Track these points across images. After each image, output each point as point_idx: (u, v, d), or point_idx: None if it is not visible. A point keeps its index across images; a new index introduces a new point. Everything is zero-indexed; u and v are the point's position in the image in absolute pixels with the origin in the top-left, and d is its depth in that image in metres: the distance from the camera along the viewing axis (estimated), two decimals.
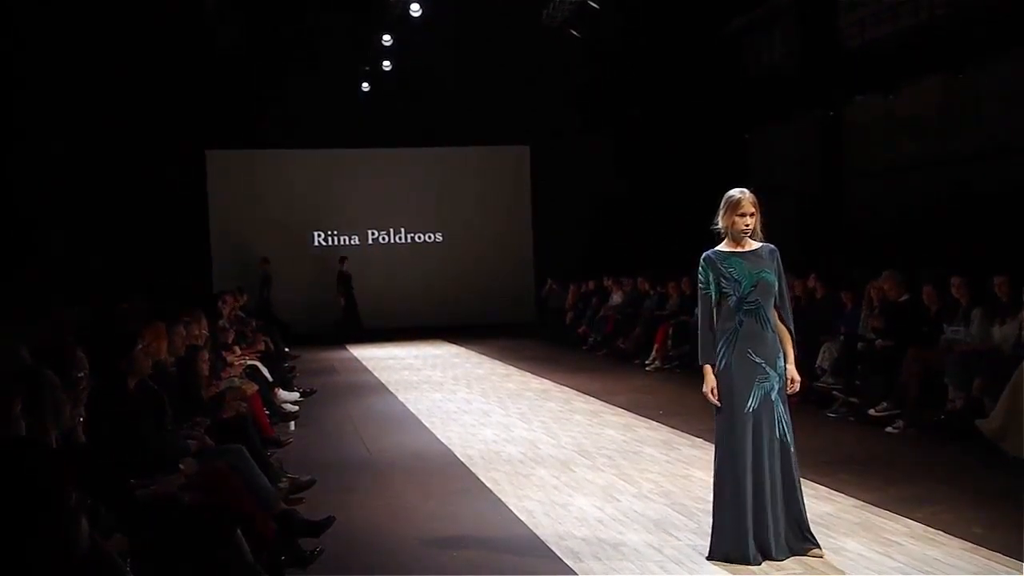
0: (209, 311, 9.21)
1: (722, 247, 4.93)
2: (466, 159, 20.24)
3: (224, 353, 9.09)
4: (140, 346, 5.16)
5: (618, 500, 6.06)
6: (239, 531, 4.12)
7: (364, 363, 14.64)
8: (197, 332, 7.47)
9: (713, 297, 4.87)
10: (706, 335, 4.89)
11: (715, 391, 4.82)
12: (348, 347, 16.92)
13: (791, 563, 4.72)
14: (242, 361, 9.27)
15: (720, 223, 4.93)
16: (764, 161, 17.09)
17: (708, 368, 4.85)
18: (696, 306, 5.13)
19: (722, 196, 4.97)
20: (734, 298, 4.79)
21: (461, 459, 7.50)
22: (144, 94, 16.65)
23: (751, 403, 4.73)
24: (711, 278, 4.87)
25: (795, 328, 4.98)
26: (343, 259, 18.70)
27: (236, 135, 18.44)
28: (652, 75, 17.90)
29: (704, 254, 4.93)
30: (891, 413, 8.12)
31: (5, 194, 15.16)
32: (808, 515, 4.86)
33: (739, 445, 4.71)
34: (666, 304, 13.80)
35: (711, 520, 4.86)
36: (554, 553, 5.07)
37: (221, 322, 10.46)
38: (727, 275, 4.82)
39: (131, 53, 16.01)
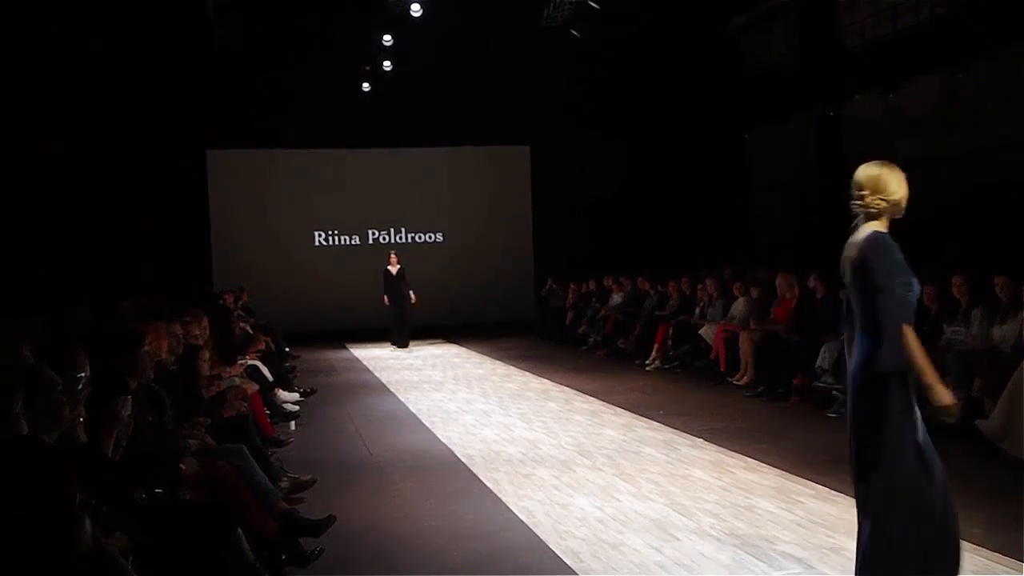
0: (209, 311, 9.21)
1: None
2: (466, 159, 20.26)
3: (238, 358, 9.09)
4: (145, 348, 5.16)
5: (618, 500, 6.07)
6: (240, 530, 4.13)
7: (364, 363, 14.65)
8: (197, 332, 7.47)
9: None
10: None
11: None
12: (348, 347, 16.93)
13: (791, 563, 4.74)
14: (243, 361, 9.27)
15: (891, 198, 4.00)
16: (764, 160, 17.10)
17: (936, 379, 3.88)
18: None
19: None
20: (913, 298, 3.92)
21: (461, 459, 7.51)
22: (145, 93, 16.66)
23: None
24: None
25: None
26: (388, 255, 17.06)
27: (237, 135, 18.44)
28: (652, 74, 17.92)
29: (886, 236, 3.97)
30: None
31: (6, 193, 15.18)
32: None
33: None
34: (666, 304, 13.79)
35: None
36: (554, 553, 5.08)
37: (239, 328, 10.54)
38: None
39: (132, 52, 16.02)
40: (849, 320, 4.15)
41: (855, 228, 4.12)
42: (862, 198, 4.04)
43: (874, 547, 3.86)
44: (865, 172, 4.06)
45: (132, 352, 5.00)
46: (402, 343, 16.46)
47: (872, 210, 4.01)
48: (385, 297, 16.53)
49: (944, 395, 3.85)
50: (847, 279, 4.09)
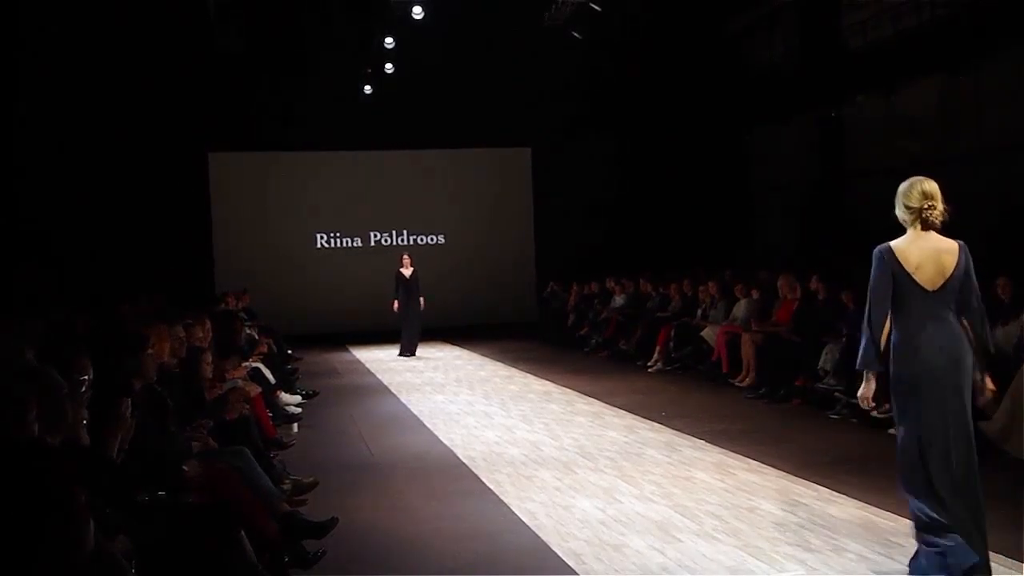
0: (215, 314, 9.22)
1: None
2: (468, 161, 20.29)
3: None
4: (148, 350, 5.16)
5: (620, 502, 6.07)
6: (242, 532, 4.13)
7: (366, 365, 14.66)
8: (200, 334, 7.48)
9: None
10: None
11: None
12: (350, 349, 16.93)
13: (793, 564, 4.74)
14: (245, 364, 9.27)
15: (944, 211, 4.61)
16: (764, 161, 17.10)
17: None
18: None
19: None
20: None
21: (463, 461, 7.51)
22: (147, 96, 16.69)
23: None
24: None
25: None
26: (401, 256, 15.89)
27: (239, 137, 18.47)
28: (653, 75, 17.93)
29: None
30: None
31: (8, 195, 15.20)
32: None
33: None
34: (668, 305, 13.79)
35: None
36: (556, 554, 5.08)
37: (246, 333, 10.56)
38: None
39: (134, 55, 16.05)
40: (884, 313, 4.58)
41: (897, 229, 4.53)
42: (934, 208, 4.53)
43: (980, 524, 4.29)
44: (933, 185, 4.56)
45: (135, 354, 5.01)
46: (409, 351, 15.58)
47: (938, 220, 4.53)
48: (395, 302, 15.34)
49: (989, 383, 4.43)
50: (933, 278, 4.56)
